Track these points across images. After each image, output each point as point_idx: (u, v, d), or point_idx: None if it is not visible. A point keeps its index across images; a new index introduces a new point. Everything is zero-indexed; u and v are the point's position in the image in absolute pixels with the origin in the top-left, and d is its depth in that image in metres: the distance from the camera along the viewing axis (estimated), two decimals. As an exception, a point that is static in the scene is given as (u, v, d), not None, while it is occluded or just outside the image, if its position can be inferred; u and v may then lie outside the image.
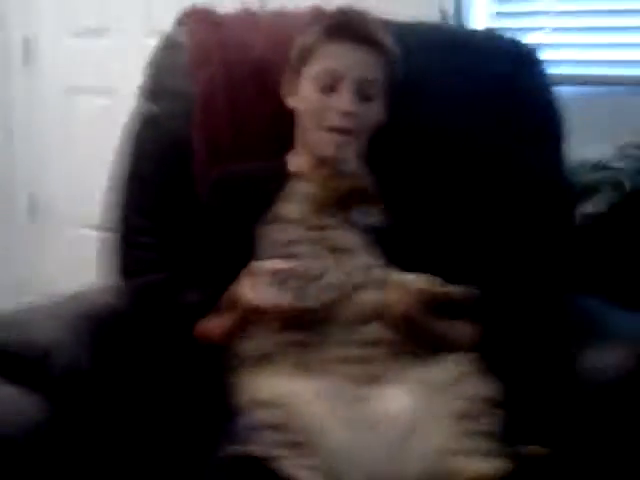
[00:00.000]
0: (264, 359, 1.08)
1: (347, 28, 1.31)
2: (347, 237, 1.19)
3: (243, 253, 1.20)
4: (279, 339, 1.10)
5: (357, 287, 1.13)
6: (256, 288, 1.09)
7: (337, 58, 1.30)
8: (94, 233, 1.69)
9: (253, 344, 1.11)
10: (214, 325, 1.21)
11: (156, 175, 1.52)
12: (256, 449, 0.92)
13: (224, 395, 1.10)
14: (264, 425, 0.96)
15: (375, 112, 1.35)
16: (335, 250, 1.16)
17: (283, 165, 1.39)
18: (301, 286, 1.07)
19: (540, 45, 1.64)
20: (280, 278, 1.08)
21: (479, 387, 1.02)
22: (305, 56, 1.34)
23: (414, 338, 1.11)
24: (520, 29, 2.14)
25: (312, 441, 0.96)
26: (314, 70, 1.32)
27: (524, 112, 1.49)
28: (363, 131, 1.34)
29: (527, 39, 1.63)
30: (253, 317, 1.12)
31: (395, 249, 1.26)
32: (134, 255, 1.51)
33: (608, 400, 1.14)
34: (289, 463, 0.92)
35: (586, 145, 1.86)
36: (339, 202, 1.21)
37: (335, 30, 1.32)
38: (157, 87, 1.56)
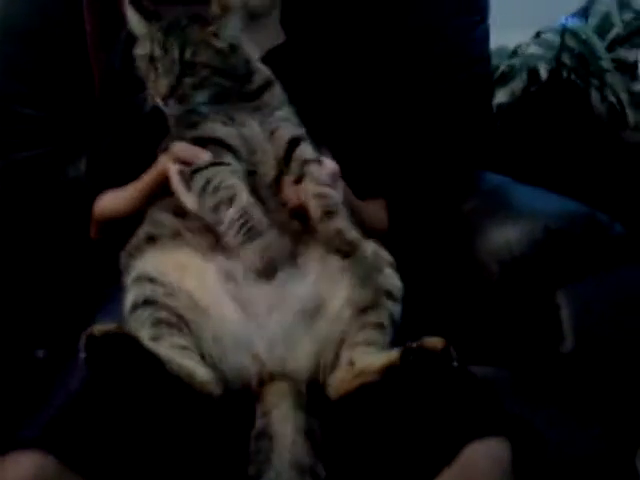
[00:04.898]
0: (162, 236, 0.99)
1: None
2: None
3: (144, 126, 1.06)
4: (181, 222, 0.99)
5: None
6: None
7: None
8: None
9: (157, 219, 1.01)
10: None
11: (38, 30, 1.30)
12: (127, 327, 0.88)
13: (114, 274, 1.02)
14: (141, 301, 0.91)
15: None
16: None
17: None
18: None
19: None
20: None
21: (381, 279, 0.97)
22: None
23: None
24: None
25: (196, 321, 0.92)
26: None
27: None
28: None
29: None
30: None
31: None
32: (12, 129, 1.34)
33: (516, 275, 1.16)
34: (161, 342, 0.88)
35: (504, 30, 1.80)
36: None
37: None
38: None
